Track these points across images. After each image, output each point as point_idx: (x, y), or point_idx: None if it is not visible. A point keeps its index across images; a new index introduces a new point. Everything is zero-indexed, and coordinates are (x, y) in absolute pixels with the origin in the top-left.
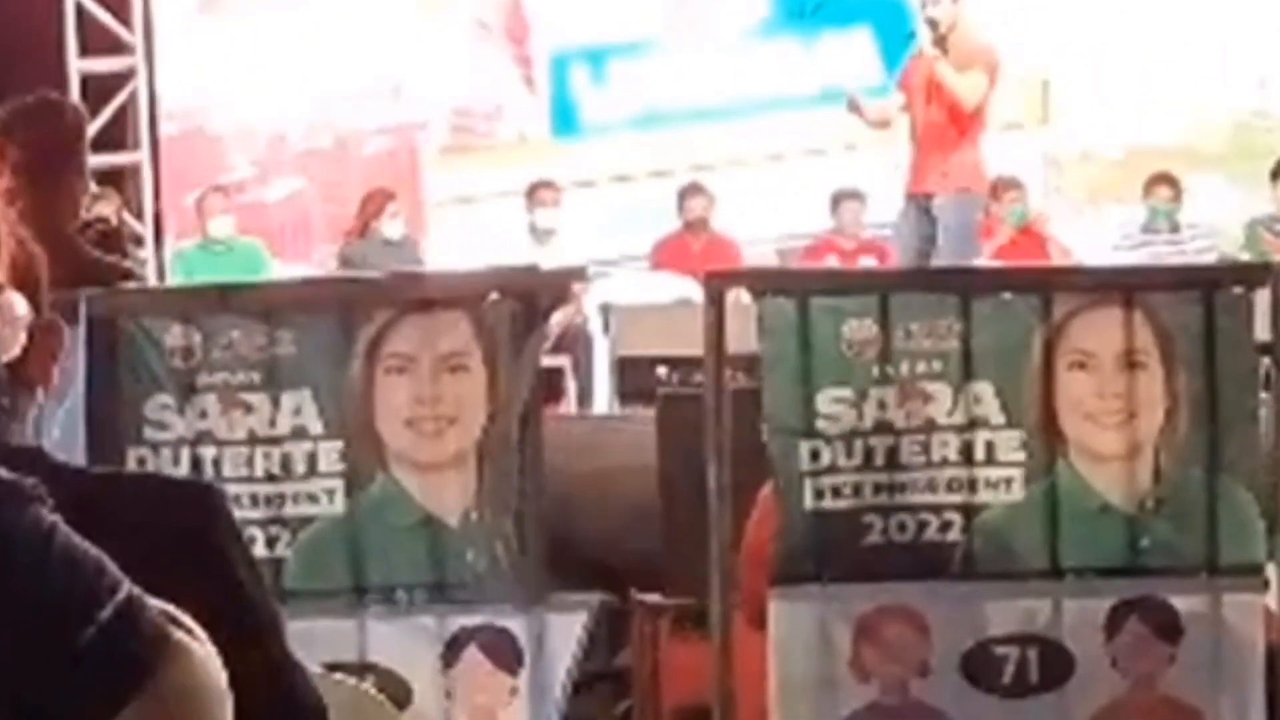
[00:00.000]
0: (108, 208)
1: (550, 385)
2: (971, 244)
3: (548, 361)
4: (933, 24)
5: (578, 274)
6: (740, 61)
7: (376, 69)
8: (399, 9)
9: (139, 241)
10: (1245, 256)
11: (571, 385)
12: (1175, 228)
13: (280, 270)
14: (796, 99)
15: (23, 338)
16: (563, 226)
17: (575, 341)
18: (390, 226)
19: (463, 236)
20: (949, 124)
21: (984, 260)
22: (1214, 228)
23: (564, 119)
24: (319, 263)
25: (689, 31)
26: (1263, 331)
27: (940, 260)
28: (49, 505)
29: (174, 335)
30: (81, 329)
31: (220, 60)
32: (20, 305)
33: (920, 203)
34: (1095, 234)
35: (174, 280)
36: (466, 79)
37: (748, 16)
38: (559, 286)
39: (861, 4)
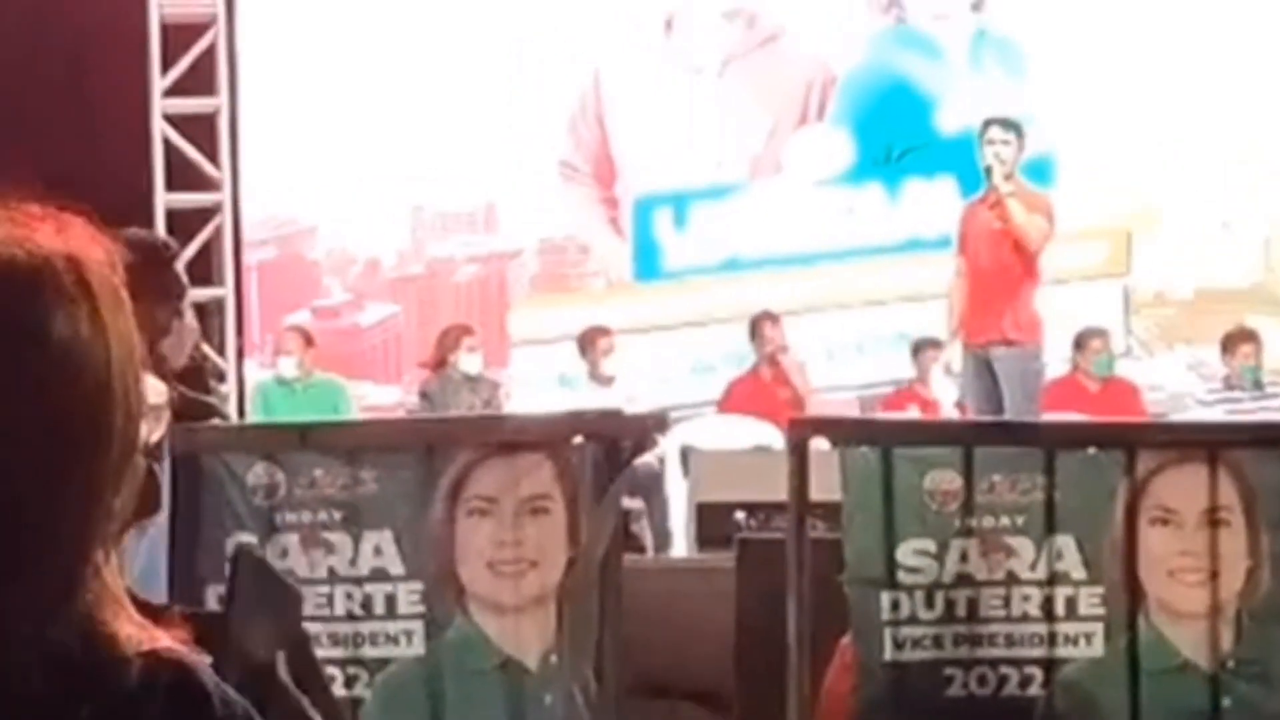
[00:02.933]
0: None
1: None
2: (1036, 398)
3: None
4: (995, 167)
5: (659, 420)
6: (824, 208)
7: (470, 199)
8: (492, 144)
9: (222, 377)
10: None
11: (646, 530)
12: (1259, 383)
13: (373, 394)
14: (880, 246)
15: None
16: (620, 371)
17: (649, 486)
18: (468, 361)
19: (543, 376)
20: (1012, 267)
21: (1061, 414)
22: None
23: (647, 262)
24: (410, 387)
25: (772, 177)
26: None
27: (1006, 415)
28: None
29: (256, 473)
30: (165, 464)
31: (316, 186)
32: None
33: (979, 354)
34: (1170, 375)
35: (253, 415)
36: (556, 216)
37: (832, 163)
38: (641, 431)
39: (945, 153)
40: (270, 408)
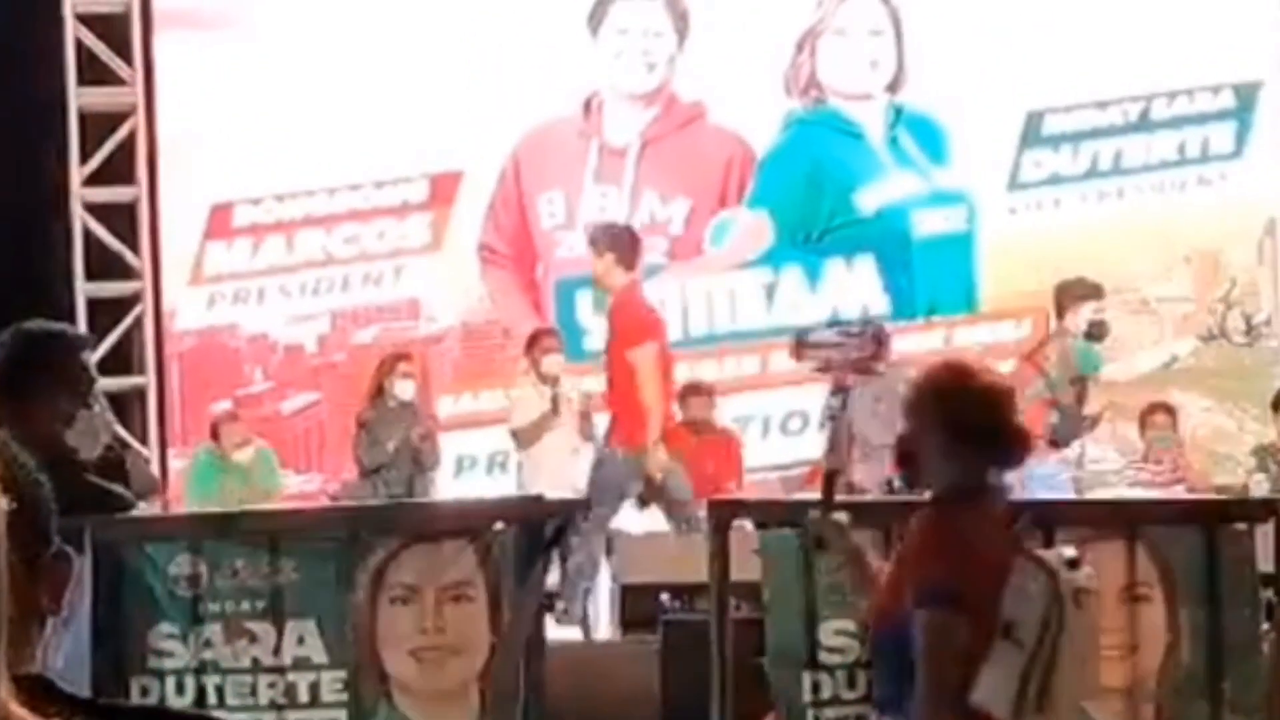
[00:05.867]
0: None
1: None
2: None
3: None
4: None
5: (582, 505)
6: (745, 288)
7: (392, 287)
8: (414, 233)
9: (145, 464)
10: (1257, 479)
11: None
12: (1175, 455)
13: (294, 482)
14: (801, 326)
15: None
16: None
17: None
18: (402, 387)
19: (470, 458)
20: None
21: None
22: (1212, 452)
23: (569, 344)
24: (333, 473)
25: (693, 258)
26: (1265, 563)
27: None
28: None
29: (179, 563)
30: (87, 557)
31: (238, 275)
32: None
33: None
34: (1091, 452)
35: (184, 487)
36: (478, 302)
37: (752, 244)
38: (563, 516)
39: (865, 233)
40: (204, 480)
